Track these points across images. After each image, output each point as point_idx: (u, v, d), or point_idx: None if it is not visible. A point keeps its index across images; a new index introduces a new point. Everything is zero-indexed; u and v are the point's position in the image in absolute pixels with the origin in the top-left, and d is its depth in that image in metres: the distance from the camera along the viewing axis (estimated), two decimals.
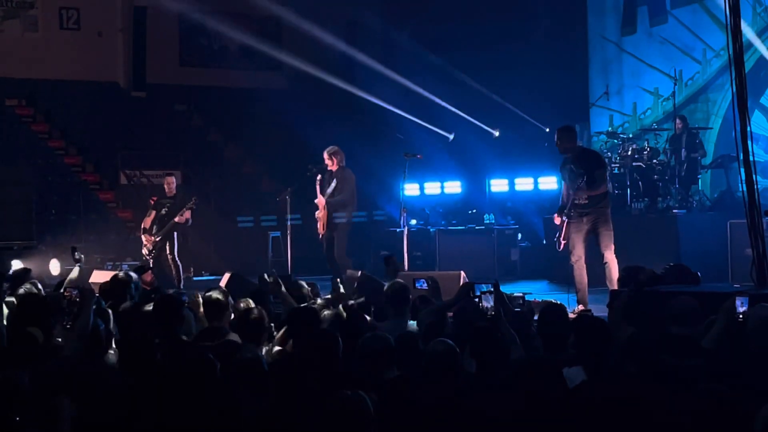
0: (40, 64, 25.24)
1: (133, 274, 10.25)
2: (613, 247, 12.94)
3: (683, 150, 17.11)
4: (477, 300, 7.93)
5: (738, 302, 7.13)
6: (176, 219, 16.49)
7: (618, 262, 12.71)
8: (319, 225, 15.19)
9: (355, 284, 13.03)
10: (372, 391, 5.84)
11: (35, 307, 8.03)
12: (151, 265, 16.64)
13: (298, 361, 6.93)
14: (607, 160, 17.73)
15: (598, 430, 5.79)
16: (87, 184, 23.87)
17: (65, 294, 7.89)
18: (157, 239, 16.59)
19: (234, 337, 8.08)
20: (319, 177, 15.36)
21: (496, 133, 21.46)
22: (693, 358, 6.72)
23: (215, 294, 8.83)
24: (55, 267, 18.58)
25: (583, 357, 6.45)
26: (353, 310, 9.04)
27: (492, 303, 7.59)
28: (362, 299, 10.20)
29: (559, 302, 8.40)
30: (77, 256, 11.52)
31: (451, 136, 20.77)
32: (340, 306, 9.06)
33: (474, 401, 5.98)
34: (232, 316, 9.08)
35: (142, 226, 17.01)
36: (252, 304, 8.83)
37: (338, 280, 11.90)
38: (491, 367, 6.49)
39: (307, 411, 5.64)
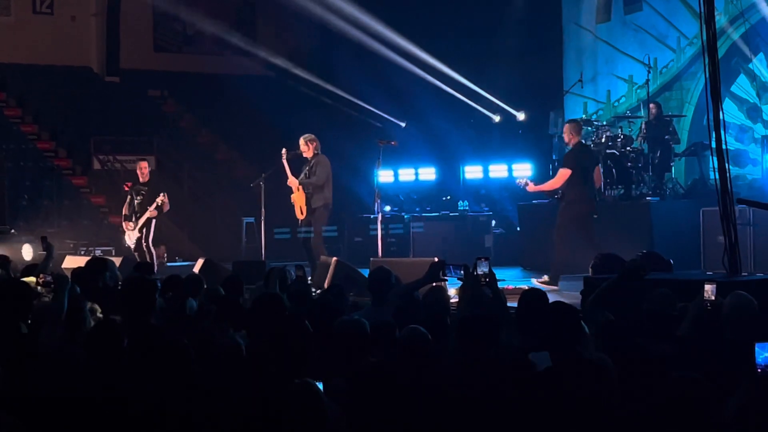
0: (13, 49, 25.09)
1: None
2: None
3: (666, 135, 17.17)
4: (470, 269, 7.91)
5: (707, 289, 7.16)
6: (148, 214, 16.44)
7: (591, 249, 12.78)
8: (297, 210, 15.11)
9: (329, 271, 13.06)
10: (344, 377, 5.82)
11: (14, 294, 7.99)
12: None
13: (263, 348, 6.92)
14: None
15: (565, 416, 5.81)
16: (60, 170, 23.76)
17: (39, 280, 7.89)
18: (138, 226, 16.56)
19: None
20: (285, 153, 15.23)
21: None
22: (667, 340, 6.75)
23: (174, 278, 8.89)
24: (27, 252, 18.50)
25: (553, 343, 6.46)
26: (336, 291, 9.05)
27: (487, 269, 7.57)
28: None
29: (539, 288, 8.40)
30: (48, 245, 11.47)
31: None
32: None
33: (454, 387, 5.98)
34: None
35: (123, 213, 16.97)
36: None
37: (302, 266, 11.94)
38: (476, 354, 6.48)
39: (268, 398, 5.64)
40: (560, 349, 6.35)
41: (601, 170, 15.47)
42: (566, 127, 14.35)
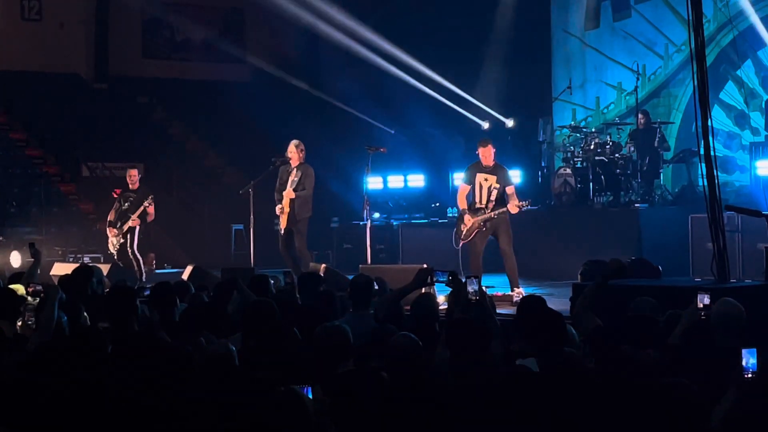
0: (1, 56, 25.05)
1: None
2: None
3: (655, 142, 17.20)
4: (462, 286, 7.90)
5: (700, 298, 7.16)
6: (131, 223, 16.35)
7: (580, 256, 12.78)
8: (282, 220, 15.07)
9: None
10: (322, 384, 5.79)
11: (2, 300, 7.97)
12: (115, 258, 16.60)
13: (254, 353, 6.91)
14: (570, 154, 17.86)
15: (552, 423, 5.81)
16: (48, 176, 23.71)
17: (28, 289, 7.87)
18: (120, 233, 16.49)
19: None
20: (283, 169, 15.17)
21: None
22: (652, 346, 6.75)
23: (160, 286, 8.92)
24: (15, 259, 18.47)
25: (538, 349, 6.48)
26: (325, 299, 9.05)
27: (477, 287, 7.57)
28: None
29: (538, 294, 8.39)
30: (35, 252, 11.41)
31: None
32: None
33: (444, 392, 5.97)
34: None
35: (108, 219, 16.90)
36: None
37: (291, 272, 11.94)
38: (467, 361, 6.46)
39: (254, 404, 5.62)
40: (546, 353, 6.37)
41: None
42: (492, 147, 14.11)
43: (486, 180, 13.98)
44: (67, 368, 6.40)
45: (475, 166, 14.15)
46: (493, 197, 13.85)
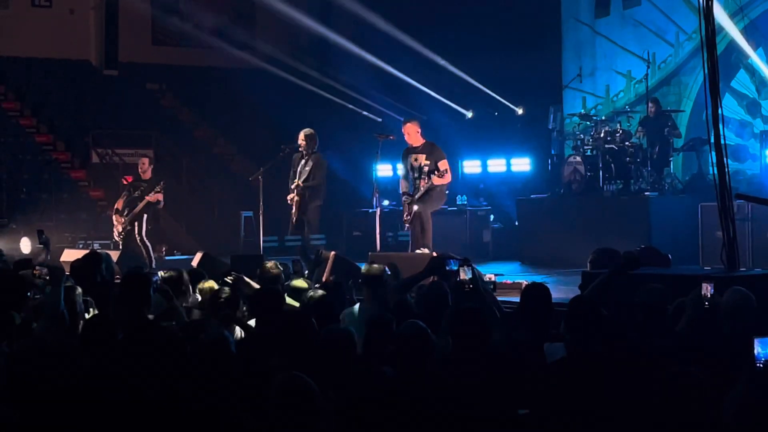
0: (11, 42, 25.06)
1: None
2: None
3: (666, 130, 17.15)
4: (453, 273, 7.87)
5: (704, 288, 7.13)
6: (144, 203, 16.33)
7: (589, 244, 12.73)
8: (294, 209, 15.04)
9: (327, 265, 13.03)
10: (331, 389, 5.77)
11: (9, 285, 7.97)
12: (120, 247, 16.60)
13: (261, 341, 6.91)
14: (579, 142, 17.81)
15: (573, 406, 5.81)
16: (58, 163, 23.76)
17: (34, 272, 7.87)
18: (126, 220, 16.48)
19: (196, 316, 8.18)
20: (296, 157, 15.13)
21: (469, 114, 21.51)
22: (660, 335, 6.74)
23: (175, 273, 8.93)
24: (25, 245, 18.50)
25: (573, 338, 6.45)
26: (333, 288, 9.04)
27: (470, 275, 7.53)
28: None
29: (542, 282, 8.36)
30: (44, 239, 11.42)
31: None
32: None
33: (446, 391, 5.95)
34: (199, 296, 9.15)
35: (115, 207, 16.89)
36: (214, 285, 8.94)
37: (299, 260, 11.93)
38: (470, 350, 6.43)
39: (262, 391, 5.62)
40: (580, 342, 6.34)
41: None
42: (415, 125, 14.05)
43: (416, 160, 13.93)
44: (75, 355, 6.42)
45: (406, 150, 14.12)
46: (424, 175, 13.76)
